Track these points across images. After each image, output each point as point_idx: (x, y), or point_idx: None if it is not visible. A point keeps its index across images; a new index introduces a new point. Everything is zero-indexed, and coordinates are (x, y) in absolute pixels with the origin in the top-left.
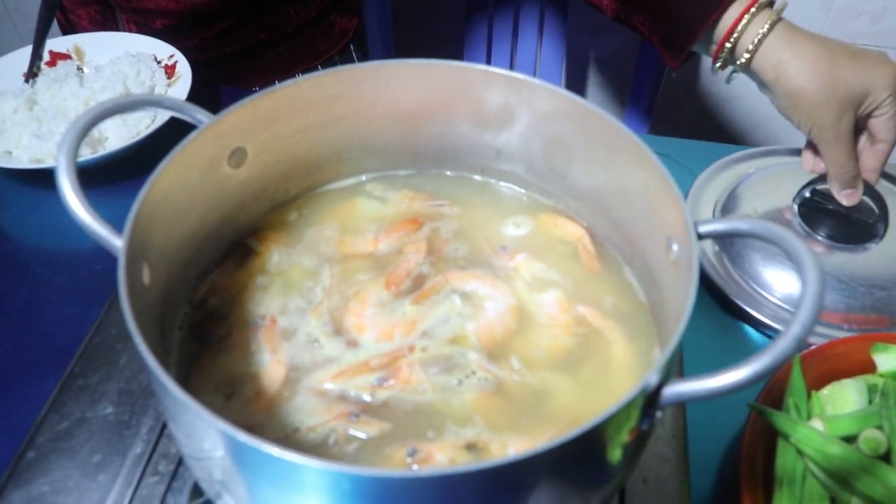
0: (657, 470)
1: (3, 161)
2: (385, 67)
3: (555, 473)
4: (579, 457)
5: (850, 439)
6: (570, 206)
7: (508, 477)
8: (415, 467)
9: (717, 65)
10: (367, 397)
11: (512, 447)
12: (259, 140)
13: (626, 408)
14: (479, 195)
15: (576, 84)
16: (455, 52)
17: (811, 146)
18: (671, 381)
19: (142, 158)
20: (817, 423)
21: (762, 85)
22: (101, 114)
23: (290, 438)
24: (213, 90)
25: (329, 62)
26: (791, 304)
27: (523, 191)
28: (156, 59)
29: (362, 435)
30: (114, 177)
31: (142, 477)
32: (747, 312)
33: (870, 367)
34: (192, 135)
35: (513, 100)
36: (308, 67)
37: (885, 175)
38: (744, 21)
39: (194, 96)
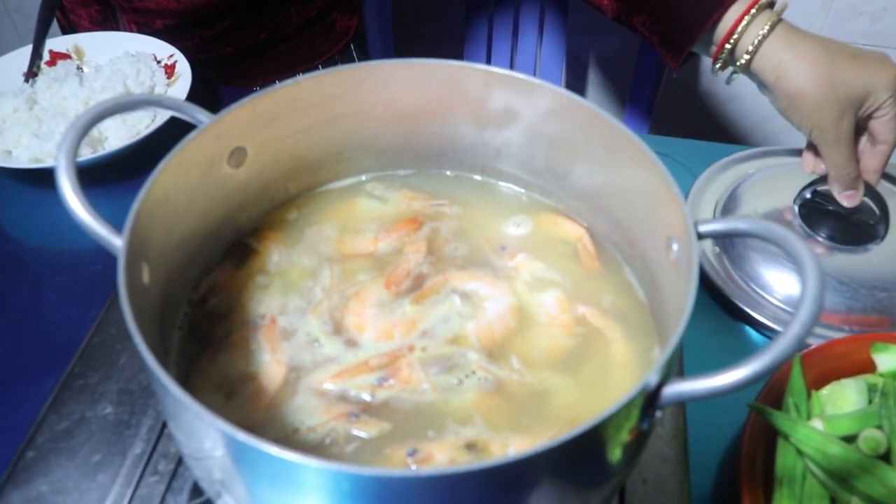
0: (657, 469)
1: (3, 160)
2: (385, 67)
3: (555, 473)
4: (579, 456)
5: (849, 439)
6: (570, 205)
7: (508, 476)
8: (414, 467)
9: (717, 66)
10: (366, 397)
11: (512, 447)
12: (259, 140)
13: (626, 407)
14: (479, 195)
15: (576, 84)
16: (455, 52)
17: (812, 147)
18: (671, 381)
19: (141, 158)
20: (817, 423)
21: (762, 86)
22: (100, 113)
23: (289, 438)
24: (213, 90)
25: (329, 62)
26: (791, 306)
27: (523, 190)
28: (155, 58)
29: (362, 435)
30: (114, 176)
31: (141, 476)
32: (747, 314)
33: (870, 367)
34: (192, 134)
35: (513, 100)
36: (308, 67)
37: (885, 176)
38: (744, 22)
39: (194, 96)
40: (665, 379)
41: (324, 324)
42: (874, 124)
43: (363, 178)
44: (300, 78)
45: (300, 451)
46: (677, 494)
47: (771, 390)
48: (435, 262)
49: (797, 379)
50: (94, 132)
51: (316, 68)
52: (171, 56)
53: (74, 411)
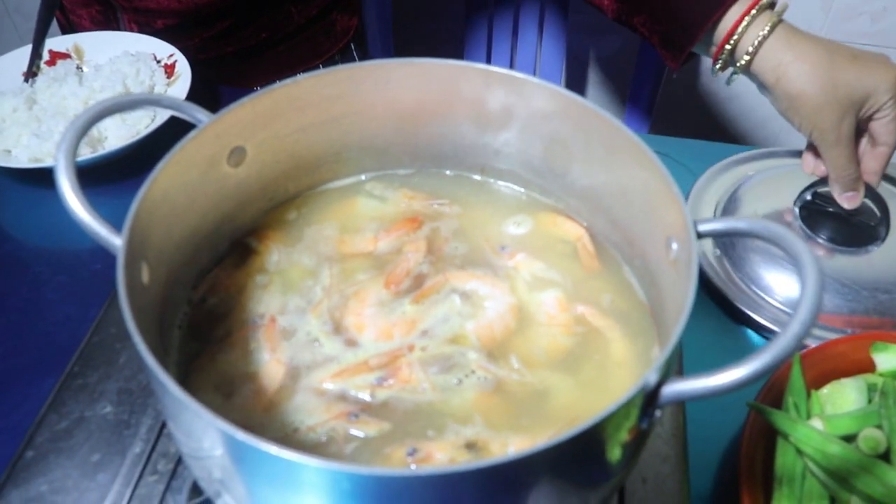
0: (657, 469)
1: (3, 160)
2: (385, 67)
3: (554, 472)
4: (579, 456)
5: (849, 438)
6: (569, 205)
7: (508, 476)
8: (414, 466)
9: (717, 66)
10: (366, 397)
11: (512, 446)
12: (258, 139)
13: (626, 407)
14: (479, 194)
15: (576, 84)
16: (455, 52)
17: (812, 148)
18: (670, 380)
19: (141, 158)
20: (817, 423)
21: (762, 87)
22: (100, 113)
23: (289, 438)
24: (212, 89)
25: (330, 61)
26: (792, 308)
27: (523, 190)
28: (155, 58)
29: (362, 434)
30: (113, 176)
31: (141, 476)
32: (748, 315)
33: (869, 366)
34: (192, 134)
35: (513, 99)
36: (309, 67)
37: (886, 177)
38: (744, 23)
39: (194, 95)
40: (664, 378)
41: (323, 323)
42: (875, 126)
43: (363, 177)
44: (300, 77)
45: (300, 450)
46: (677, 494)
47: (770, 390)
48: (435, 262)
49: (797, 378)
50: (94, 132)
51: (316, 68)
52: (171, 56)
53: (74, 411)
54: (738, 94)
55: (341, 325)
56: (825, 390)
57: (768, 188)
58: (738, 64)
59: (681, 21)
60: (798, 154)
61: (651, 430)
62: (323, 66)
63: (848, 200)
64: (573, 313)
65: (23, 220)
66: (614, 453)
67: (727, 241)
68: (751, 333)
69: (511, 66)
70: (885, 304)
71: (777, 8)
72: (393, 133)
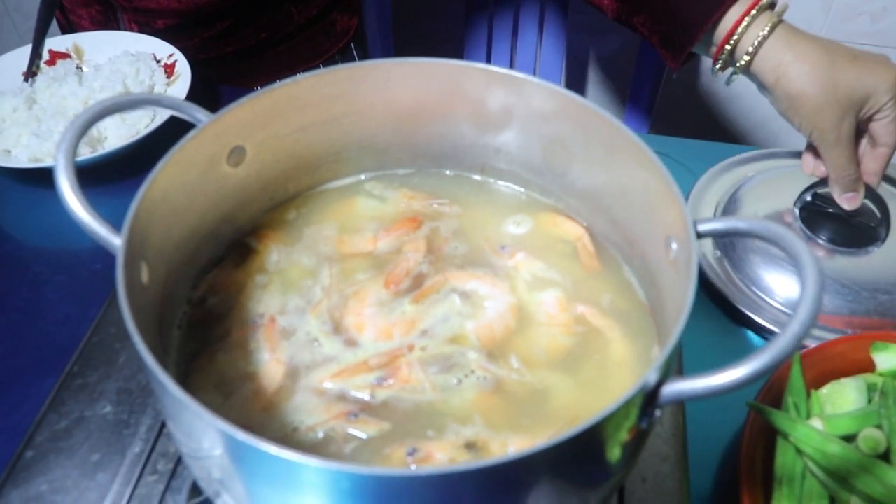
0: (656, 468)
1: (3, 160)
2: (385, 66)
3: (554, 472)
4: (578, 455)
5: (849, 438)
6: (569, 205)
7: (508, 476)
8: (414, 466)
9: (717, 66)
10: (366, 397)
11: (511, 446)
12: (258, 139)
13: (626, 406)
14: (479, 194)
15: (576, 83)
16: (455, 52)
17: (811, 148)
18: (670, 380)
19: (141, 157)
20: (816, 422)
21: (762, 87)
22: (100, 112)
23: (289, 438)
24: (212, 89)
25: (330, 61)
26: (791, 309)
27: (523, 190)
28: (155, 58)
29: (361, 434)
30: (113, 176)
31: (140, 476)
32: (748, 317)
33: (869, 366)
34: (191, 133)
35: (513, 99)
36: (309, 67)
37: (886, 178)
38: (744, 23)
39: (193, 95)
40: (664, 378)
41: (323, 323)
42: (875, 126)
43: (362, 177)
44: (299, 77)
45: (299, 450)
46: (676, 493)
47: (770, 389)
48: (434, 262)
49: (797, 378)
50: (94, 131)
51: (316, 68)
52: (171, 55)
53: (73, 410)
54: (738, 94)
55: (341, 324)
56: (825, 390)
57: (768, 189)
58: (738, 64)
59: (681, 21)
60: (798, 155)
61: (651, 430)
62: (323, 66)
63: (848, 201)
64: (573, 313)
65: (23, 220)
66: (614, 453)
67: (727, 243)
68: (751, 335)
69: (511, 66)
70: (886, 306)
71: (777, 8)
72: (393, 133)
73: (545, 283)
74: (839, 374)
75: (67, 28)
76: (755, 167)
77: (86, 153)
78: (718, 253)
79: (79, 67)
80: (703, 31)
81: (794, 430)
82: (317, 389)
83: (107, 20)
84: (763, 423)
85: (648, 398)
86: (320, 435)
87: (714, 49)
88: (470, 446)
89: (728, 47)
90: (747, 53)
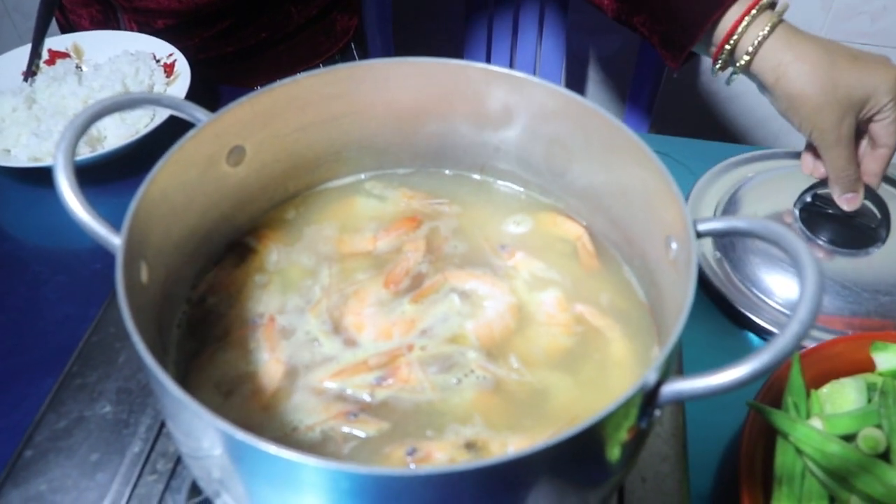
0: (656, 468)
1: (2, 159)
2: (384, 66)
3: (554, 472)
4: (578, 455)
5: (849, 438)
6: (569, 204)
7: (507, 475)
8: (413, 466)
9: (717, 66)
10: (365, 396)
11: (511, 446)
12: (258, 138)
13: (625, 406)
14: (478, 194)
15: (576, 83)
16: (455, 51)
17: (811, 148)
18: (670, 380)
19: (140, 157)
20: (816, 422)
21: (762, 87)
22: (99, 112)
23: (288, 437)
24: (212, 89)
25: (330, 61)
26: (791, 310)
27: (522, 189)
28: (155, 57)
29: (361, 434)
30: (112, 175)
31: (140, 476)
32: (748, 317)
33: (869, 366)
34: (191, 133)
35: (512, 99)
36: (309, 66)
37: (886, 179)
38: (744, 23)
39: (193, 95)
40: (664, 378)
41: (323, 323)
42: (874, 127)
43: (362, 176)
44: (299, 77)
45: (299, 449)
46: (676, 493)
47: (770, 389)
48: (434, 261)
49: (796, 378)
50: (93, 131)
51: (316, 67)
52: (171, 55)
53: (73, 410)
54: (738, 94)
55: (340, 324)
56: (825, 390)
57: (768, 189)
58: (737, 64)
59: (681, 21)
60: (798, 155)
61: (650, 430)
62: (323, 66)
63: (848, 202)
64: (572, 313)
65: (22, 220)
66: (614, 453)
67: (727, 243)
68: (751, 335)
69: (511, 66)
70: (886, 306)
71: (777, 8)
72: (392, 132)
73: (545, 282)
74: (839, 373)
75: (67, 28)
76: (755, 167)
77: (85, 153)
78: (718, 254)
79: (78, 67)
80: (703, 30)
81: (794, 429)
82: (316, 389)
83: (106, 20)
84: (763, 422)
85: (648, 398)
86: (319, 434)
87: (714, 49)
88: (469, 446)
89: (728, 47)
90: (747, 53)
